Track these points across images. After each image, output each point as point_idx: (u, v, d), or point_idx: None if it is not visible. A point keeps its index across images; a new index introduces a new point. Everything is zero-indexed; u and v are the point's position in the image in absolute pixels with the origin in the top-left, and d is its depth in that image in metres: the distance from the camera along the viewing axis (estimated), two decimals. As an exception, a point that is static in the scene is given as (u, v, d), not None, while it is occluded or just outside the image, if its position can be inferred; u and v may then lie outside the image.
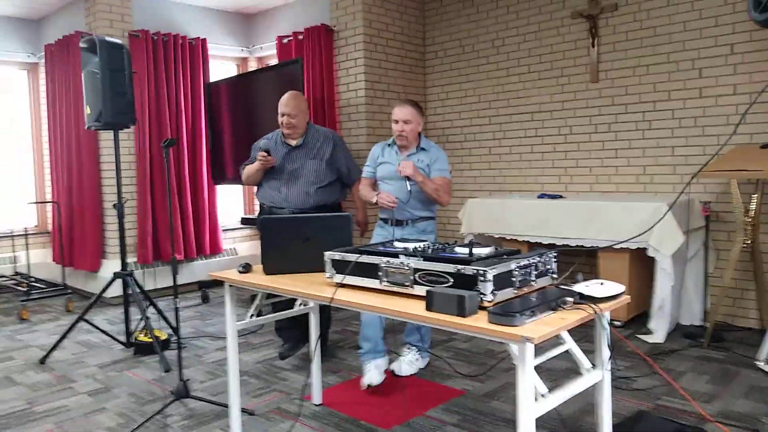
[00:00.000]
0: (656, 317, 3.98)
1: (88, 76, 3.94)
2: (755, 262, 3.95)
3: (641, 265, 4.19)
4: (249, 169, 3.82)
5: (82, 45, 3.96)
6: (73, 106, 5.64)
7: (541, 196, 4.73)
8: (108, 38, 3.90)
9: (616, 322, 4.18)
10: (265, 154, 3.64)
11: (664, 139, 4.52)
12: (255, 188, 4.02)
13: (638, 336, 4.00)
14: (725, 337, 3.92)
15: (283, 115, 3.71)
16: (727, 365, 3.46)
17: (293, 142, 3.76)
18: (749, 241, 3.80)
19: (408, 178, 3.28)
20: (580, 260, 4.55)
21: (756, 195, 3.77)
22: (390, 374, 3.46)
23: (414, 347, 3.55)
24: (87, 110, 3.97)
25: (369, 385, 3.23)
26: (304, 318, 3.57)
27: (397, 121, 3.41)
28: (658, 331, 3.95)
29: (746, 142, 4.07)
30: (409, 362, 3.49)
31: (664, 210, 3.79)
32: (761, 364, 3.35)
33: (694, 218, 4.14)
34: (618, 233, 3.91)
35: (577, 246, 4.25)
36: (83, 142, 5.55)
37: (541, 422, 2.65)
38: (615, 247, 4.09)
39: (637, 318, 4.31)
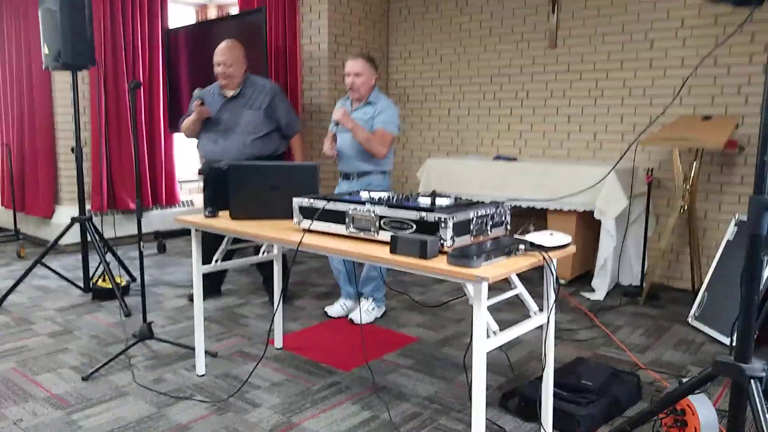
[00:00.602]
0: (598, 276, 4.24)
1: (45, 14, 3.83)
2: (691, 227, 4.23)
3: (587, 227, 4.44)
4: (187, 121, 3.85)
5: (39, -18, 3.84)
6: (23, 45, 5.44)
7: (497, 158, 4.90)
8: (67, -25, 3.78)
9: (561, 281, 4.43)
10: (199, 102, 3.67)
11: (615, 107, 4.73)
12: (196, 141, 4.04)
13: (581, 294, 4.26)
14: (661, 296, 4.21)
15: (218, 64, 3.74)
16: (660, 321, 3.75)
17: (230, 93, 3.80)
18: (686, 207, 4.07)
19: (338, 123, 3.43)
20: (531, 221, 4.77)
21: (695, 163, 4.02)
22: (348, 322, 3.62)
23: (370, 296, 3.70)
24: (45, 50, 3.87)
25: (326, 313, 3.70)
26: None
27: (348, 74, 3.53)
28: (599, 289, 4.22)
29: (690, 113, 4.31)
30: (366, 311, 3.65)
31: (611, 175, 4.01)
32: (691, 320, 3.65)
33: (638, 184, 4.39)
34: (567, 197, 4.12)
35: (528, 207, 4.45)
36: (36, 83, 5.38)
37: (492, 367, 2.85)
38: (563, 209, 4.32)
39: (580, 277, 4.58)
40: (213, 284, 4.12)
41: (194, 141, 4.05)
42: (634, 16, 4.58)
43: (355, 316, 3.63)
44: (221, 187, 3.83)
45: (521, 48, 5.20)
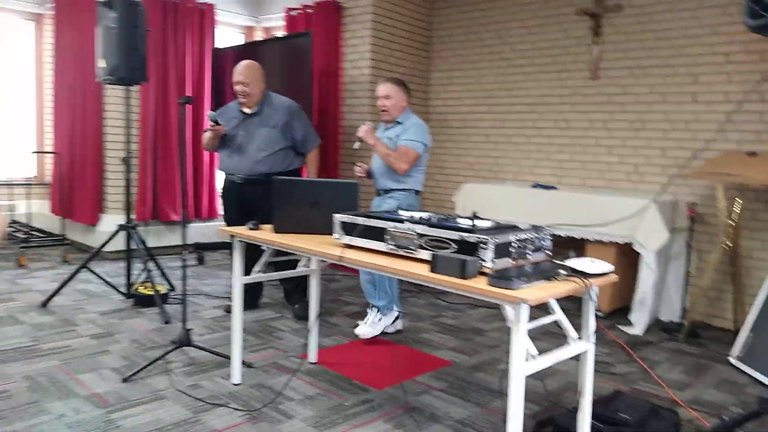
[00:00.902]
0: (637, 310, 4.18)
1: (104, 30, 4.01)
2: (734, 265, 4.15)
3: (627, 260, 4.38)
4: (204, 137, 4.01)
5: (99, 0, 4.03)
6: (79, 59, 5.68)
7: (535, 186, 4.90)
8: (127, -6, 3.97)
9: (598, 313, 4.37)
10: (213, 123, 3.82)
11: (656, 140, 4.70)
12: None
13: (619, 327, 4.20)
14: (701, 334, 4.11)
15: (237, 83, 3.86)
16: (700, 359, 3.66)
17: (248, 111, 3.91)
18: (730, 244, 4.00)
19: (361, 140, 3.57)
20: (566, 254, 4.73)
21: (740, 200, 3.96)
22: (382, 341, 3.64)
23: (374, 308, 3.70)
24: (101, 63, 4.04)
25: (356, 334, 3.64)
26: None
27: (379, 98, 3.68)
28: (637, 323, 4.15)
29: (734, 149, 4.27)
30: (371, 324, 3.66)
31: (652, 207, 3.98)
32: (733, 360, 3.56)
33: (679, 218, 4.33)
34: (607, 227, 4.10)
35: (566, 236, 4.43)
36: (88, 95, 5.60)
37: (526, 395, 2.83)
38: (603, 240, 4.29)
39: (619, 311, 4.51)
40: (251, 298, 4.18)
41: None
42: (678, 50, 4.57)
43: (359, 330, 3.65)
44: (235, 199, 3.99)
45: (562, 78, 5.22)
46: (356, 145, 3.67)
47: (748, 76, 4.24)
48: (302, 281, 3.96)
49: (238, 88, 3.86)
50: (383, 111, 3.68)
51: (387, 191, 3.67)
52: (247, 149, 3.88)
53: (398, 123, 3.69)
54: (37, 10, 6.37)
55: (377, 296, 3.68)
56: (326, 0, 5.73)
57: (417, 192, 3.72)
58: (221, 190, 4.22)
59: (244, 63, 3.92)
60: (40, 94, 6.60)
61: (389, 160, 3.54)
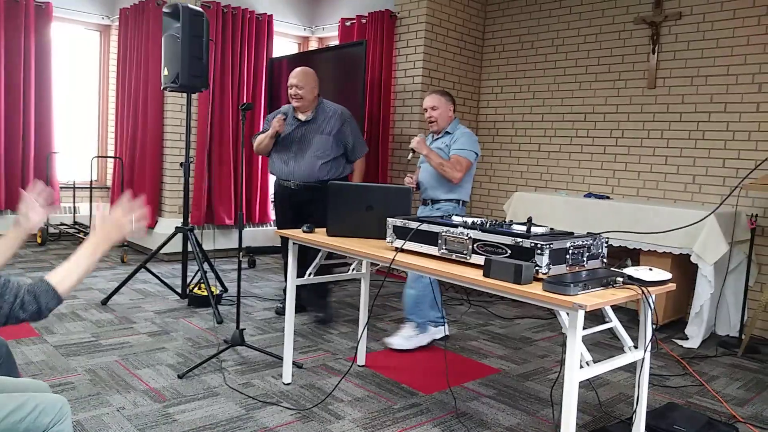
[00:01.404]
0: (693, 323, 4.05)
1: (168, 40, 4.17)
2: (797, 278, 3.99)
3: (682, 271, 4.26)
4: (260, 138, 4.04)
5: (165, 10, 4.19)
6: (143, 68, 5.91)
7: (588, 196, 4.82)
8: (191, 5, 4.12)
9: (652, 325, 4.25)
10: (282, 117, 3.88)
11: (716, 150, 4.56)
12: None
13: (673, 340, 4.08)
14: (760, 350, 3.97)
15: (291, 86, 3.92)
16: (760, 375, 3.53)
17: (303, 117, 3.96)
18: (793, 257, 3.84)
19: (414, 150, 3.60)
20: (623, 261, 4.63)
21: (805, 211, 3.81)
22: (430, 348, 3.64)
23: (411, 322, 3.68)
24: (165, 72, 4.20)
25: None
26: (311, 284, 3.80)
27: (426, 109, 3.72)
28: (693, 336, 4.03)
29: (800, 159, 4.10)
30: (404, 336, 3.64)
31: (711, 219, 3.86)
32: (794, 376, 3.42)
33: (740, 230, 4.19)
34: (662, 237, 3.99)
35: (620, 246, 4.34)
36: (150, 102, 5.81)
37: (580, 406, 2.78)
38: (658, 251, 4.18)
39: (673, 324, 4.39)
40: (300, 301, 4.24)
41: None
42: (740, 59, 4.44)
43: (389, 340, 3.63)
44: (288, 204, 4.04)
45: (618, 87, 5.13)
46: (409, 156, 3.70)
47: (815, 85, 4.09)
48: (319, 287, 4.01)
49: (291, 91, 3.93)
50: (431, 122, 3.71)
51: (435, 201, 3.67)
52: (304, 156, 3.93)
53: (447, 133, 3.70)
54: (104, 22, 6.67)
55: (417, 313, 3.67)
56: (380, 10, 5.80)
57: (464, 203, 3.72)
58: (273, 195, 4.28)
59: (299, 68, 4.00)
60: (104, 101, 6.89)
61: (443, 170, 3.53)
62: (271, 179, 6.47)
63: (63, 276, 1.51)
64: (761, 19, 4.34)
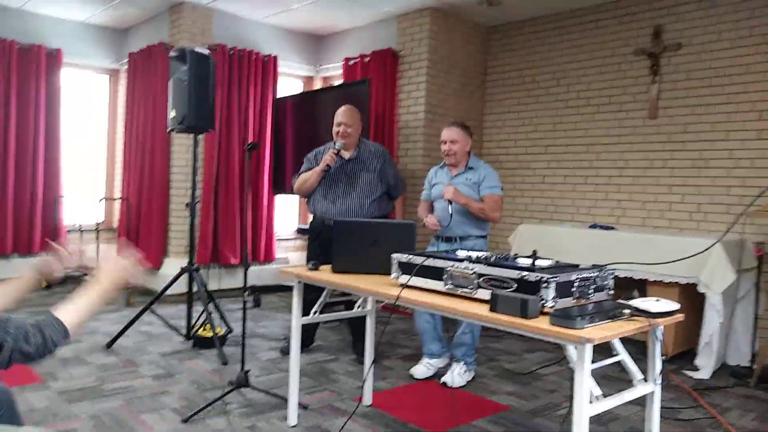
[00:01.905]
0: (703, 354, 3.99)
1: (176, 83, 4.24)
2: (809, 306, 3.94)
3: (690, 301, 4.20)
4: (305, 175, 3.98)
5: (172, 54, 4.28)
6: (151, 111, 5.99)
7: (593, 227, 4.81)
8: (197, 49, 4.20)
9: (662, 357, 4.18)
10: (335, 151, 3.82)
11: (720, 179, 4.56)
12: (306, 200, 4.18)
13: (684, 371, 4.01)
14: (774, 379, 3.90)
15: (339, 124, 3.91)
16: (775, 406, 3.46)
17: (347, 155, 3.96)
18: (804, 284, 3.80)
19: (450, 201, 3.50)
20: (629, 293, 4.59)
21: (813, 238, 3.78)
22: (438, 385, 3.58)
23: (461, 360, 3.65)
24: (171, 113, 4.26)
25: (412, 375, 3.63)
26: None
27: (444, 142, 3.69)
28: (704, 367, 3.96)
29: (805, 185, 4.09)
30: (459, 374, 3.60)
31: (717, 247, 3.83)
32: (811, 407, 3.34)
33: (747, 258, 4.15)
34: (669, 267, 3.95)
35: (626, 277, 4.30)
36: (157, 144, 5.88)
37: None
38: (664, 281, 4.14)
39: (683, 354, 4.31)
40: (305, 339, 4.21)
41: (295, 199, 4.25)
42: (741, 87, 4.47)
43: (448, 378, 3.59)
44: (329, 243, 3.98)
45: (619, 118, 5.16)
46: (450, 211, 3.51)
47: (816, 112, 4.10)
48: (357, 329, 3.96)
49: (340, 129, 3.90)
50: (448, 155, 3.67)
51: (464, 237, 3.59)
52: (352, 194, 3.91)
53: (470, 168, 3.67)
54: (113, 66, 6.80)
55: (470, 352, 3.67)
56: (383, 49, 5.89)
57: (488, 236, 3.75)
58: (311, 234, 4.19)
59: (346, 107, 4.01)
60: (111, 143, 6.97)
61: (485, 214, 3.55)
62: (279, 217, 6.53)
63: (70, 312, 1.48)
64: (759, 48, 4.38)
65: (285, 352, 4.10)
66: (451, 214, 3.53)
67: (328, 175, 3.91)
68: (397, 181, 4.10)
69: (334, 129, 3.93)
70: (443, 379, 3.61)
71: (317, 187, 3.97)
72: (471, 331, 3.61)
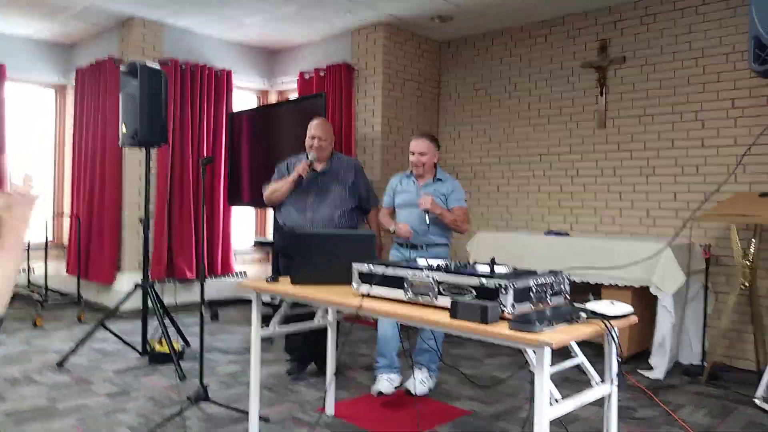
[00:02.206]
0: (656, 354, 4.11)
1: (126, 98, 4.16)
2: (753, 305, 4.10)
3: (644, 304, 4.34)
4: (276, 185, 3.92)
5: (122, 69, 4.20)
6: (100, 126, 5.86)
7: (548, 233, 4.92)
8: (149, 63, 4.13)
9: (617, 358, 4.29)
10: (308, 163, 3.79)
11: (667, 185, 4.73)
12: (273, 210, 4.14)
13: (639, 371, 4.13)
14: (723, 376, 4.04)
15: (314, 137, 3.87)
16: (725, 401, 3.59)
17: (319, 167, 3.94)
18: (747, 284, 3.97)
19: (427, 211, 3.52)
20: (585, 297, 4.70)
21: (754, 240, 3.95)
22: (401, 392, 3.59)
23: (424, 367, 3.67)
24: (123, 129, 4.17)
25: (379, 392, 3.50)
26: (313, 337, 3.77)
27: (413, 153, 3.72)
28: (657, 367, 4.08)
29: (746, 190, 4.28)
30: (421, 381, 3.61)
31: (667, 250, 3.97)
32: (759, 402, 3.48)
33: (695, 261, 4.31)
34: (622, 271, 4.08)
35: (581, 282, 4.41)
36: (108, 159, 5.75)
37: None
38: (618, 285, 4.26)
39: (638, 355, 4.43)
40: (303, 359, 4.06)
41: (252, 212, 4.20)
42: (683, 98, 4.66)
43: (410, 385, 3.59)
44: (309, 252, 3.93)
45: (570, 128, 5.31)
46: (427, 220, 3.55)
47: (756, 120, 4.31)
48: (323, 337, 3.89)
49: (314, 142, 3.86)
50: (416, 166, 3.71)
51: (430, 245, 3.64)
52: (322, 206, 3.85)
53: (438, 180, 3.73)
54: (60, 81, 6.62)
55: (430, 357, 3.67)
56: (337, 63, 5.92)
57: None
58: (278, 247, 4.13)
59: (320, 120, 3.99)
60: (60, 160, 6.79)
61: (456, 225, 3.61)
62: (236, 229, 6.45)
63: None
64: (698, 61, 4.59)
65: (291, 372, 3.98)
66: (429, 224, 3.56)
67: (300, 186, 3.90)
68: (369, 193, 4.10)
69: (308, 142, 3.89)
70: (406, 384, 3.61)
71: (288, 198, 3.94)
72: (434, 337, 3.63)
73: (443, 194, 3.68)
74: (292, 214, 3.89)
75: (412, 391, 3.56)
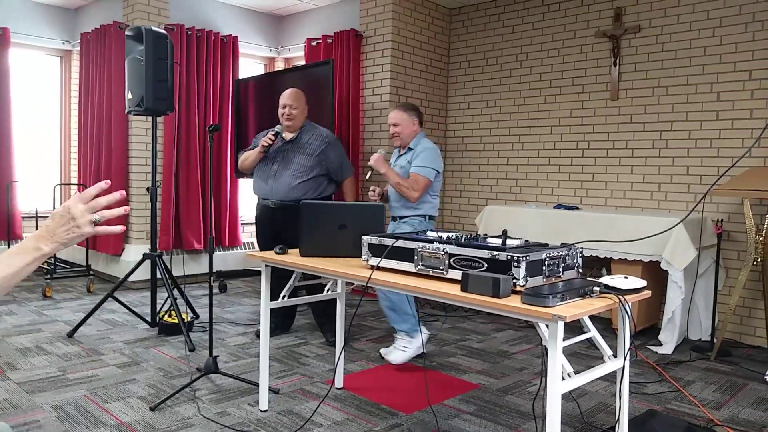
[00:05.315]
0: (666, 329, 4.10)
1: (131, 63, 4.10)
2: (764, 281, 4.07)
3: (653, 279, 4.31)
4: (247, 153, 4.06)
5: (127, 33, 4.13)
6: (105, 93, 5.80)
7: (558, 207, 4.87)
8: (154, 28, 4.06)
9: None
10: (274, 136, 3.87)
11: (680, 158, 4.66)
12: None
13: (648, 347, 4.12)
14: (732, 352, 4.03)
15: (285, 106, 3.95)
16: (734, 377, 3.57)
17: (288, 137, 3.96)
18: (759, 260, 3.93)
19: (372, 168, 3.65)
20: (594, 271, 4.67)
21: (768, 215, 3.90)
22: (409, 365, 3.59)
23: (401, 332, 3.66)
24: (128, 95, 4.12)
25: (388, 361, 3.60)
26: (321, 307, 3.89)
27: (389, 125, 3.77)
28: (667, 342, 4.07)
29: (760, 165, 4.21)
30: (401, 348, 3.62)
31: (679, 225, 3.92)
32: None
33: (707, 236, 4.27)
34: (632, 245, 4.05)
35: (591, 256, 4.38)
36: (114, 127, 5.70)
37: (562, 418, 2.77)
38: (628, 259, 4.23)
39: (647, 330, 4.43)
40: (284, 321, 4.23)
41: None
42: (699, 69, 4.56)
43: (384, 352, 3.64)
44: (268, 225, 4.01)
45: (582, 99, 5.22)
46: (367, 175, 3.73)
47: (771, 92, 4.21)
48: (329, 308, 3.92)
49: (284, 110, 3.94)
50: (393, 137, 3.77)
51: (402, 217, 3.71)
52: (283, 175, 3.93)
53: (410, 149, 3.74)
54: (64, 47, 6.55)
55: (401, 320, 3.64)
56: (346, 30, 5.81)
57: (431, 217, 3.74)
58: (255, 216, 4.23)
59: (291, 90, 4.04)
60: (66, 128, 6.74)
61: (401, 189, 3.59)
62: (243, 201, 6.43)
63: None
64: (715, 31, 4.47)
65: (259, 335, 4.05)
66: (368, 179, 3.73)
67: (268, 155, 3.94)
68: (344, 164, 4.11)
69: (279, 111, 3.97)
70: (382, 352, 3.66)
71: (256, 167, 4.02)
72: (387, 297, 3.58)
73: (409, 162, 3.68)
74: (259, 183, 4.04)
75: (388, 359, 3.60)
